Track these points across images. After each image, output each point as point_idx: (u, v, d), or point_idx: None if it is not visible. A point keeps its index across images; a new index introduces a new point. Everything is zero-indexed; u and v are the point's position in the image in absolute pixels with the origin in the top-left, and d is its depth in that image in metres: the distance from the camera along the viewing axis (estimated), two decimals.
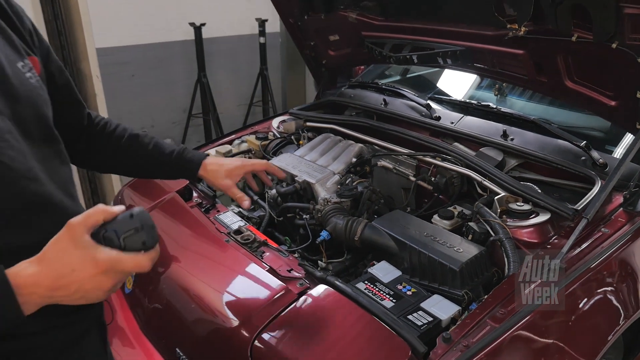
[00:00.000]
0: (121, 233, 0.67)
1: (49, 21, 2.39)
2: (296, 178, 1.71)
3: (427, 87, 2.73)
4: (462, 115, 1.96)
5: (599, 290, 1.24)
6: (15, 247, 0.70)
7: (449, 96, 2.24)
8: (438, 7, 1.74)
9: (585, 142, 1.60)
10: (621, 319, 1.24)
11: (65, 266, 0.65)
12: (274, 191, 1.75)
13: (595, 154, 1.57)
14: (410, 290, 1.25)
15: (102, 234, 0.67)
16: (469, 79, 2.44)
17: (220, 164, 1.29)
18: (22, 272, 0.65)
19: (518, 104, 2.20)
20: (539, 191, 1.52)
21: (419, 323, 1.13)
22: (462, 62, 1.80)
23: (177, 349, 1.28)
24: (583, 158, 1.60)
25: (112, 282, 0.68)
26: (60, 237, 0.67)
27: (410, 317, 1.15)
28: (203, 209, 1.69)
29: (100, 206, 0.69)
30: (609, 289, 1.26)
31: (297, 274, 1.32)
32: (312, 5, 2.16)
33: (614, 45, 1.26)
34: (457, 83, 2.52)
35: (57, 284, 0.65)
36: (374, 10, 1.97)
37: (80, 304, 0.70)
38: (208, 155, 1.30)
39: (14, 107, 0.79)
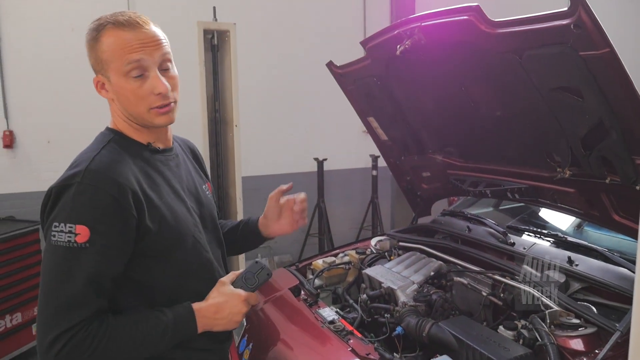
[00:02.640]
0: (248, 282, 1.30)
1: (213, 158, 3.26)
2: (382, 284, 2.11)
3: (518, 215, 3.03)
4: (534, 242, 2.24)
5: None
6: (192, 292, 1.26)
7: (526, 226, 2.52)
8: (504, 153, 2.15)
9: None
10: None
11: (222, 300, 1.22)
12: (364, 295, 2.15)
13: None
14: None
15: (238, 283, 1.29)
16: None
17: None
18: (199, 305, 1.22)
19: (594, 236, 2.40)
20: (594, 310, 1.72)
21: None
22: (527, 197, 2.14)
23: None
24: None
25: (245, 309, 1.27)
26: (217, 287, 1.27)
27: None
28: (307, 304, 2.13)
29: (233, 272, 1.33)
30: None
31: (372, 357, 1.66)
32: (407, 150, 2.70)
33: (638, 188, 1.56)
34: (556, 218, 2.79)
35: (218, 311, 1.22)
36: (455, 154, 2.45)
37: (223, 333, 1.25)
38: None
39: (200, 209, 1.41)
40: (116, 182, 1.12)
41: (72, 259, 1.07)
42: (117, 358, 1.11)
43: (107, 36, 1.19)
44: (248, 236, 1.71)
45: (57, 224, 1.08)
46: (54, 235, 1.07)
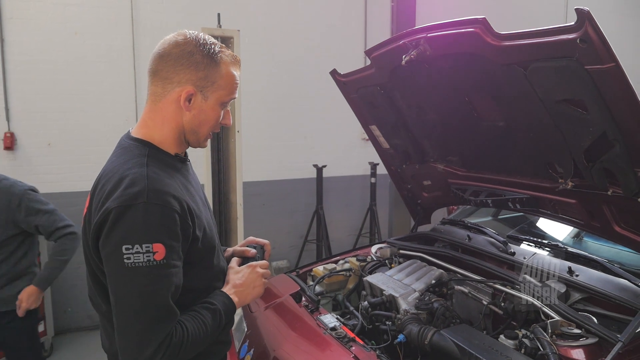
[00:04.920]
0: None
1: (214, 163, 3.27)
2: (384, 292, 2.11)
3: (516, 225, 3.05)
4: (535, 252, 2.26)
5: None
6: (215, 288, 1.36)
7: (526, 236, 2.54)
8: (506, 163, 2.17)
9: None
10: None
11: (240, 277, 1.38)
12: (366, 303, 2.16)
13: None
14: None
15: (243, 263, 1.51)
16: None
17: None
18: (227, 288, 1.35)
19: (593, 246, 2.43)
20: (595, 321, 1.74)
21: None
22: (528, 207, 2.16)
23: None
24: None
25: (261, 273, 1.44)
26: (230, 272, 1.44)
27: None
28: (309, 310, 2.13)
29: (233, 259, 1.52)
30: None
31: None
32: (409, 158, 2.72)
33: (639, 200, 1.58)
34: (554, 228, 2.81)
35: (243, 284, 1.39)
36: (456, 163, 2.47)
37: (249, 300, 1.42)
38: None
39: (210, 214, 1.45)
40: (177, 198, 1.18)
41: (155, 277, 1.11)
42: (196, 351, 1.23)
43: (227, 66, 1.28)
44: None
45: (129, 246, 1.09)
46: (129, 258, 1.09)
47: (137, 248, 1.09)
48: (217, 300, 1.31)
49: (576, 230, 2.59)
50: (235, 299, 1.35)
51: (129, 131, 1.34)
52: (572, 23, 1.33)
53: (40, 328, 3.68)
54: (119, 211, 1.11)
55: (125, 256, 1.09)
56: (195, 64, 1.23)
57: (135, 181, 1.15)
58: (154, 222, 1.12)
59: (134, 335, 1.11)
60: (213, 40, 1.29)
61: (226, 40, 3.25)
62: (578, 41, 1.33)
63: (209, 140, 1.41)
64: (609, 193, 1.69)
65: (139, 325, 1.10)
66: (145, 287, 1.11)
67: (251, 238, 1.67)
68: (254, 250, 1.60)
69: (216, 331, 1.28)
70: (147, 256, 1.09)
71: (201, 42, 1.24)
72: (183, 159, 1.36)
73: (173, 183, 1.21)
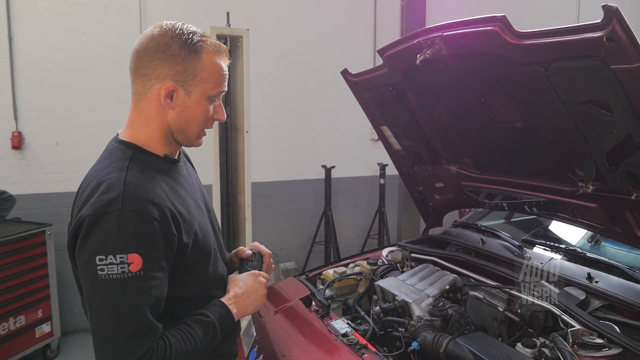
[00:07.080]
0: (251, 267, 1.47)
1: (222, 164, 3.23)
2: (396, 297, 2.06)
3: (531, 229, 2.98)
4: (552, 257, 2.19)
5: None
6: (213, 297, 1.29)
7: (543, 240, 2.48)
8: (523, 165, 2.11)
9: None
10: None
11: (240, 285, 1.31)
12: (377, 308, 2.11)
13: None
14: None
15: (243, 270, 1.44)
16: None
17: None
18: (227, 297, 1.29)
19: (610, 251, 2.36)
20: (617, 330, 1.67)
21: None
22: (546, 211, 2.10)
23: None
24: None
25: (263, 282, 1.38)
26: (230, 280, 1.37)
27: None
28: (319, 315, 2.08)
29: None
30: None
31: None
32: (421, 159, 2.66)
33: None
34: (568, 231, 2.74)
35: (243, 294, 1.30)
36: (470, 165, 2.41)
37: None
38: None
39: (210, 216, 1.40)
40: (156, 205, 1.09)
41: (130, 290, 1.04)
42: None
43: (209, 56, 1.19)
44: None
45: (102, 257, 1.02)
46: (102, 269, 1.02)
47: (110, 259, 1.01)
48: (212, 312, 1.23)
49: (591, 233, 2.52)
50: (233, 309, 1.27)
51: (117, 133, 1.27)
52: (599, 21, 1.27)
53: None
54: (92, 219, 1.04)
55: (99, 267, 1.02)
56: (173, 56, 1.14)
57: (112, 187, 1.08)
58: (130, 230, 1.04)
59: (109, 352, 1.03)
60: (193, 29, 1.20)
61: (235, 40, 3.21)
62: (604, 39, 1.27)
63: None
64: (633, 197, 1.63)
65: (115, 341, 1.03)
66: (120, 301, 1.03)
67: (255, 244, 1.60)
68: (248, 251, 1.51)
69: (209, 345, 1.20)
70: (121, 267, 1.02)
71: (178, 32, 1.16)
72: (173, 160, 1.28)
73: (155, 188, 1.13)
